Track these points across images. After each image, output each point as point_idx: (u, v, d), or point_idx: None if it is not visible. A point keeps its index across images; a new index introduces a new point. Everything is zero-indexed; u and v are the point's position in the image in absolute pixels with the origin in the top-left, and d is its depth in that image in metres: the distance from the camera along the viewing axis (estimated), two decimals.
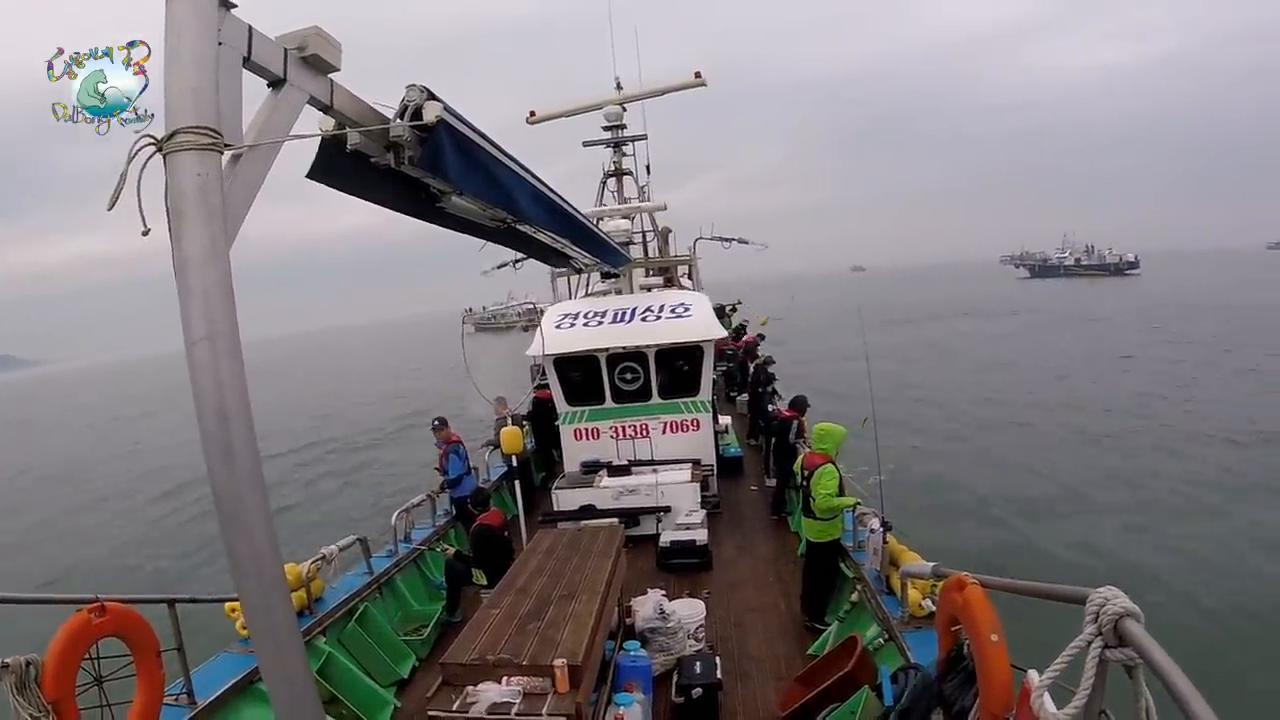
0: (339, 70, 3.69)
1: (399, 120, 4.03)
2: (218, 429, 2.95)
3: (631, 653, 7.47)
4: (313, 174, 4.23)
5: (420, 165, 4.28)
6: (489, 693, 5.21)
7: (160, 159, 2.95)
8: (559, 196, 7.31)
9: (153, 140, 2.96)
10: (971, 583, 4.68)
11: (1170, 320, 62.30)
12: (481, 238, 6.86)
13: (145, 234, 3.04)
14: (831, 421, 9.89)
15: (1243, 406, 30.05)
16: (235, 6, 3.14)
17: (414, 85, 4.08)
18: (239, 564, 3.05)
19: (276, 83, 3.44)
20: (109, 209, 2.93)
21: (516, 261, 13.78)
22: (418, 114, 4.04)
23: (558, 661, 5.16)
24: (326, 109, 3.77)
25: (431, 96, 4.09)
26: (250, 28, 3.23)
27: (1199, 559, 15.97)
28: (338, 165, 4.26)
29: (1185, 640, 11.91)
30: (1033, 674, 3.70)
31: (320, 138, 4.01)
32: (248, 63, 3.25)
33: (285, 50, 3.43)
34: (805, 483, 9.41)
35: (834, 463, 9.22)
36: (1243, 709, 8.97)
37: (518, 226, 6.81)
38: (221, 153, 3.03)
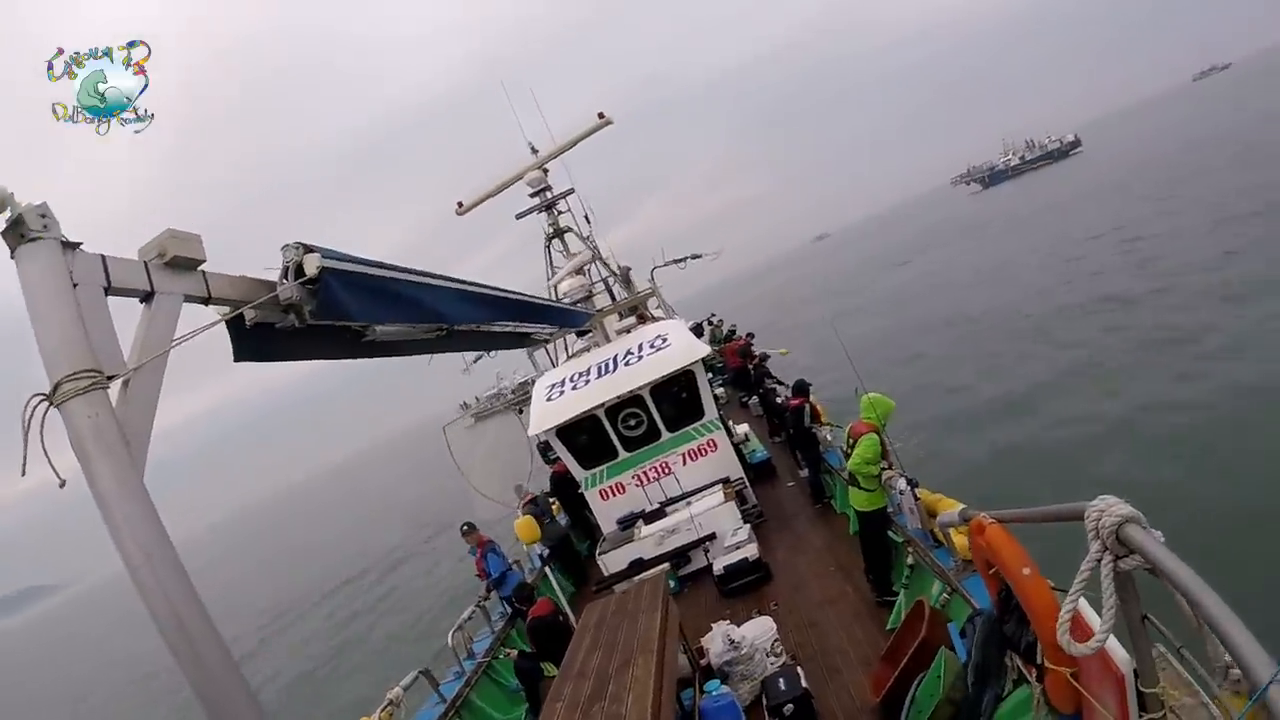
0: (204, 260, 3.71)
1: (284, 282, 4.05)
2: (181, 640, 2.97)
3: (713, 693, 7.41)
4: (238, 357, 4.26)
5: (320, 316, 4.29)
6: None
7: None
8: (490, 287, 7.31)
9: (43, 396, 2.99)
10: (990, 523, 4.65)
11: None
12: (425, 353, 6.87)
13: (62, 485, 3.08)
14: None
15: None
16: (80, 245, 3.18)
17: (288, 245, 4.10)
18: None
19: (146, 296, 3.46)
20: (22, 474, 2.95)
21: (491, 352, 13.81)
22: (300, 270, 4.07)
23: None
24: (206, 301, 3.80)
25: (309, 249, 4.10)
26: (103, 257, 3.27)
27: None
28: (252, 343, 4.27)
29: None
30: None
31: (223, 323, 4.04)
32: (110, 290, 3.28)
33: (145, 263, 3.46)
34: (849, 450, 9.42)
35: (879, 432, 9.20)
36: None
37: (458, 329, 6.82)
38: (107, 388, 3.06)
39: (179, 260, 3.57)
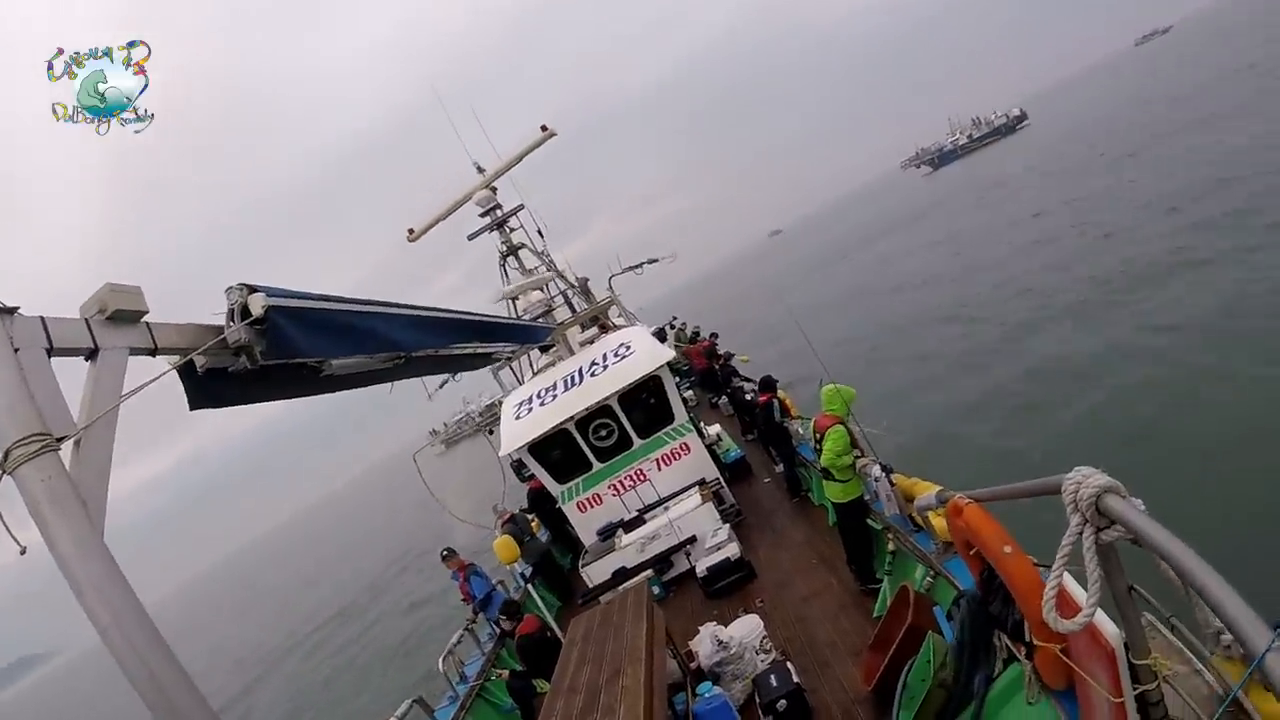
0: (147, 312, 3.65)
1: (231, 324, 4.00)
2: (158, 697, 2.93)
3: (705, 695, 7.39)
4: (194, 405, 4.20)
5: (272, 356, 4.24)
6: None
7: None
8: (445, 310, 7.27)
9: None
10: (967, 504, 4.66)
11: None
12: (386, 381, 6.80)
13: (23, 552, 3.05)
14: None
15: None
16: (17, 309, 3.12)
17: (232, 287, 4.05)
18: None
19: (91, 354, 3.40)
20: None
21: (455, 375, 13.71)
22: (246, 312, 4.02)
23: None
24: (153, 352, 3.74)
25: (253, 289, 4.05)
26: (43, 319, 3.22)
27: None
28: (207, 390, 4.21)
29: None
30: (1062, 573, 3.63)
31: (174, 371, 3.98)
32: (53, 352, 3.22)
33: (87, 320, 3.40)
34: (818, 445, 9.44)
35: (844, 423, 9.24)
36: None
37: (416, 355, 6.76)
38: (57, 449, 3.01)
39: (121, 314, 3.50)
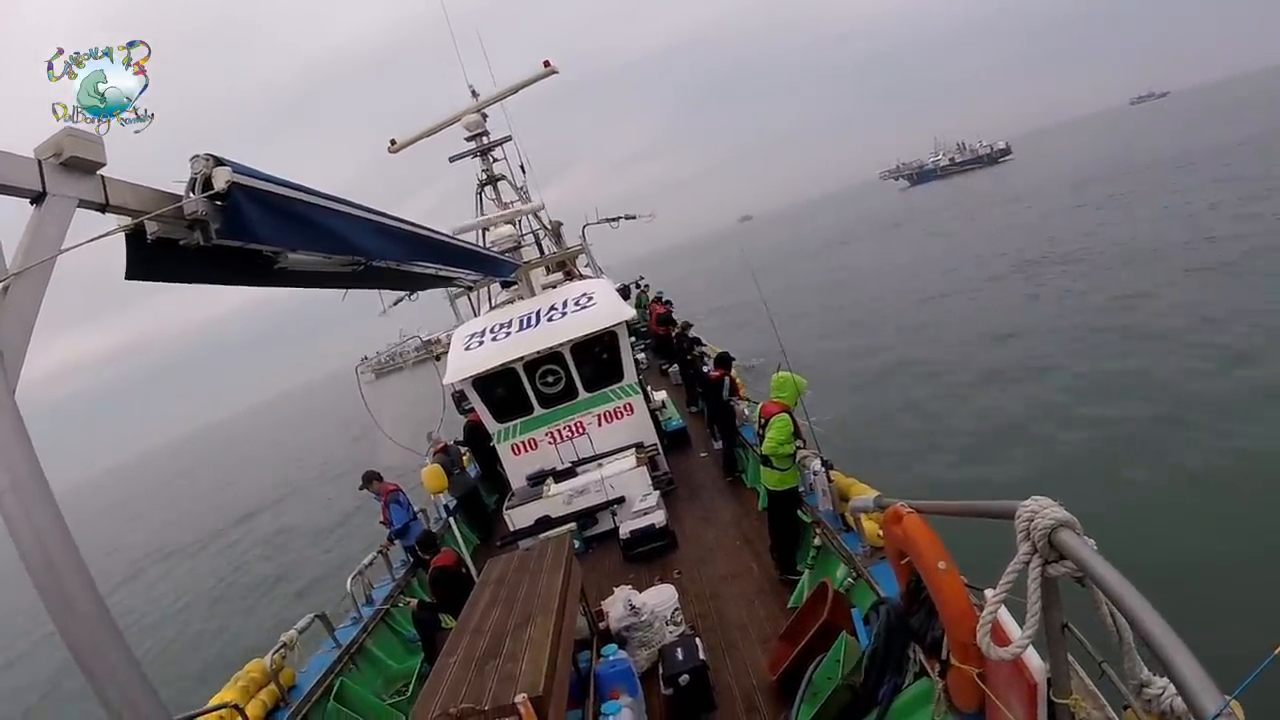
0: (104, 164, 3.41)
1: (191, 195, 3.78)
2: (49, 579, 2.76)
3: (610, 658, 7.32)
4: (130, 274, 3.96)
5: (227, 236, 4.02)
6: None
7: None
8: (413, 225, 7.03)
9: None
10: (908, 513, 4.58)
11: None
12: (340, 287, 6.57)
13: None
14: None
15: None
16: None
17: (198, 155, 3.83)
18: (115, 713, 2.84)
19: (37, 198, 3.16)
20: None
21: (411, 294, 13.40)
22: (208, 184, 3.80)
23: (518, 697, 4.96)
24: (103, 208, 3.50)
25: (220, 162, 3.84)
26: None
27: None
28: (150, 259, 3.97)
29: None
30: (990, 594, 3.57)
31: (124, 234, 3.75)
32: None
33: (40, 161, 3.15)
34: (762, 430, 9.38)
35: (790, 412, 9.18)
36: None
37: (375, 265, 6.52)
38: None
39: (76, 161, 3.26)
